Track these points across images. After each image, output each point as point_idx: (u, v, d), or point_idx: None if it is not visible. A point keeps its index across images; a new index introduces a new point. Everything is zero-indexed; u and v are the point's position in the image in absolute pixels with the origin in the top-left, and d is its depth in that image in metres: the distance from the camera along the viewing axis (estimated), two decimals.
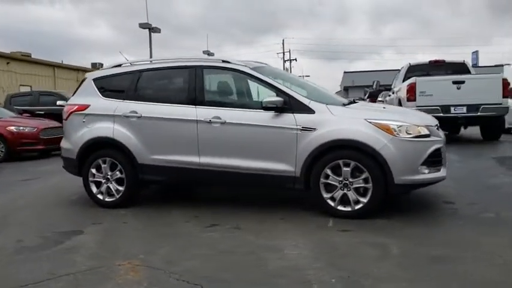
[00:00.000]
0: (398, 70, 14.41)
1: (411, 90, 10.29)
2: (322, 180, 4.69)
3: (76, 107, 5.67)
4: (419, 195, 5.43)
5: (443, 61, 12.35)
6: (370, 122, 4.61)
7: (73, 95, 5.97)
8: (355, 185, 4.61)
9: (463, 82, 10.16)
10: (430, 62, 12.44)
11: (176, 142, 5.19)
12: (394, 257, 3.60)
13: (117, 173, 5.43)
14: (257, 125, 4.89)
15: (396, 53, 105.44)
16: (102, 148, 5.50)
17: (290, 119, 4.78)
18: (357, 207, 4.62)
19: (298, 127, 4.74)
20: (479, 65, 47.80)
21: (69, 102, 5.88)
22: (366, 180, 4.57)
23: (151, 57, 34.99)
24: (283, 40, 77.25)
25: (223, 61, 5.29)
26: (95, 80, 5.75)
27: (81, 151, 5.53)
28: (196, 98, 5.18)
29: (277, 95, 4.87)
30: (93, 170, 5.52)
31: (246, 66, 5.18)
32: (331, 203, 4.69)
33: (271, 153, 4.85)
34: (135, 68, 5.62)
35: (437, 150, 4.68)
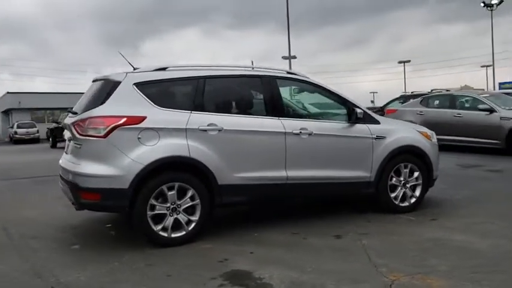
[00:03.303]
0: None
1: None
2: (389, 182, 5.38)
3: (124, 119, 4.20)
4: None
5: None
6: (417, 131, 5.65)
7: (101, 103, 4.31)
8: (410, 183, 5.51)
9: None
10: None
11: (262, 156, 4.73)
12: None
13: (188, 200, 4.40)
14: (342, 135, 5.11)
15: (14, 75, 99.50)
16: (168, 171, 4.33)
17: (365, 129, 5.24)
18: (412, 201, 5.52)
19: (373, 136, 5.26)
20: None
21: (102, 112, 4.23)
22: (417, 178, 5.54)
23: None
24: None
25: (288, 72, 5.17)
26: (138, 85, 4.40)
27: (141, 177, 4.17)
28: (277, 109, 4.87)
29: (349, 108, 5.22)
30: (153, 201, 4.26)
31: (309, 78, 5.25)
32: (395, 201, 5.42)
33: (353, 161, 5.17)
34: (195, 73, 4.66)
35: None
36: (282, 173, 4.80)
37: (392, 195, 5.39)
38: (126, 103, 4.34)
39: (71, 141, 4.60)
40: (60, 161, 4.91)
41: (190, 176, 4.41)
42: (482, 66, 59.71)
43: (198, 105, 4.56)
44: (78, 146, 4.32)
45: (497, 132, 10.63)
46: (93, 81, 4.97)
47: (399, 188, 5.43)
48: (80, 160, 4.29)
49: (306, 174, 4.93)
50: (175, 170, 4.39)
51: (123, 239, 4.77)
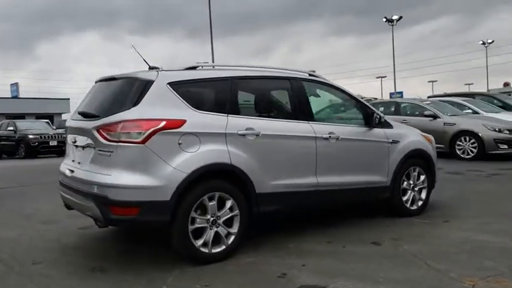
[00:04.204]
0: None
1: None
2: (401, 186, 5.40)
3: (164, 122, 3.71)
4: None
5: None
6: (421, 135, 5.74)
7: (134, 105, 3.75)
8: (418, 187, 5.58)
9: None
10: None
11: (296, 162, 4.49)
12: None
13: (228, 211, 4.02)
14: (365, 139, 5.04)
15: None
16: (209, 180, 3.92)
17: (382, 133, 5.21)
18: (419, 204, 5.59)
19: (389, 140, 5.24)
20: (20, 96, 48.25)
21: (138, 115, 3.69)
22: (423, 182, 5.63)
23: None
24: None
25: (310, 74, 4.96)
26: (172, 84, 3.92)
27: (183, 187, 3.72)
28: (305, 112, 4.65)
29: (368, 112, 5.15)
30: (193, 213, 3.84)
31: (330, 80, 5.11)
32: (406, 204, 5.45)
33: (374, 166, 5.11)
34: (228, 73, 4.28)
35: None
36: (313, 180, 4.60)
37: (404, 198, 5.42)
38: (161, 105, 3.86)
39: (87, 148, 3.99)
40: (67, 171, 4.26)
41: (230, 185, 4.04)
42: (377, 78, 64.73)
43: (233, 108, 4.20)
44: (107, 153, 3.74)
45: (442, 137, 11.30)
46: (105, 80, 4.38)
47: (409, 191, 5.48)
48: (109, 169, 3.71)
49: (334, 181, 4.76)
50: (216, 178, 3.99)
51: (144, 257, 4.22)
